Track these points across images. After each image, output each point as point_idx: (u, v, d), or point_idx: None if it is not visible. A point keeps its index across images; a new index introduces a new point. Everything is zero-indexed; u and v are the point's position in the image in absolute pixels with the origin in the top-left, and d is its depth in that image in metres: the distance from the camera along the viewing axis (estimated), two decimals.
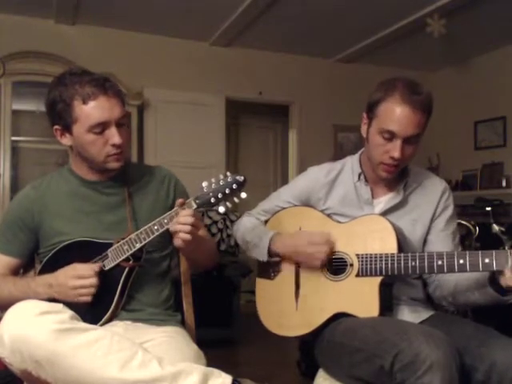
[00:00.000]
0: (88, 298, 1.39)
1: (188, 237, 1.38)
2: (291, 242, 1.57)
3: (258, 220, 1.76)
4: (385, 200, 1.60)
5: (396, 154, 1.46)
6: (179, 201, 1.41)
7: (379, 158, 1.50)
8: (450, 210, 1.61)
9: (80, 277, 1.39)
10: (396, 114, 1.44)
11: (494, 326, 1.39)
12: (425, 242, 1.60)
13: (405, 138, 1.46)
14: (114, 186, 1.56)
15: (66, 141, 1.50)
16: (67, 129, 1.46)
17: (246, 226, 1.74)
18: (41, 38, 4.20)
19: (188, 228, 1.37)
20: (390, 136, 1.46)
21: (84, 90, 1.41)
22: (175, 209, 1.41)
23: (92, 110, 1.41)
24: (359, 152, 1.68)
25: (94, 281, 1.39)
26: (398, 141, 1.46)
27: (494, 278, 1.34)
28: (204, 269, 1.68)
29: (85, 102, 1.41)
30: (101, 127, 1.43)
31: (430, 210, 1.59)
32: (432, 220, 1.59)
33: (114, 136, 1.44)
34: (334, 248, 1.54)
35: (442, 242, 1.58)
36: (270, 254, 1.61)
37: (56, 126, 1.49)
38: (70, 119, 1.44)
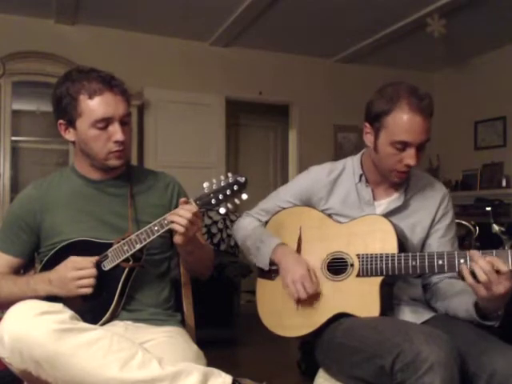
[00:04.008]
0: (88, 290, 1.39)
1: (182, 229, 1.37)
2: (290, 262, 1.56)
3: (258, 221, 1.76)
4: (386, 202, 1.61)
5: (412, 161, 1.47)
6: (182, 200, 1.41)
7: (393, 167, 1.51)
8: (449, 217, 1.62)
9: (79, 268, 1.39)
10: (407, 124, 1.44)
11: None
12: (424, 246, 1.61)
13: (418, 145, 1.47)
14: (117, 185, 1.56)
15: (70, 136, 1.51)
16: (71, 123, 1.48)
17: (247, 229, 1.74)
18: (41, 38, 4.20)
19: (184, 221, 1.37)
20: (403, 146, 1.47)
21: (91, 85, 1.43)
22: (176, 209, 1.41)
23: (97, 105, 1.43)
24: (360, 153, 1.68)
25: (93, 271, 1.39)
26: (412, 149, 1.47)
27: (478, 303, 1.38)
28: (199, 275, 1.68)
29: (90, 97, 1.43)
30: (104, 123, 1.44)
31: (429, 216, 1.60)
32: (431, 225, 1.60)
33: (117, 132, 1.45)
34: (333, 249, 1.54)
35: (442, 247, 1.58)
36: (270, 262, 1.62)
37: (60, 121, 1.50)
38: (74, 113, 1.45)
